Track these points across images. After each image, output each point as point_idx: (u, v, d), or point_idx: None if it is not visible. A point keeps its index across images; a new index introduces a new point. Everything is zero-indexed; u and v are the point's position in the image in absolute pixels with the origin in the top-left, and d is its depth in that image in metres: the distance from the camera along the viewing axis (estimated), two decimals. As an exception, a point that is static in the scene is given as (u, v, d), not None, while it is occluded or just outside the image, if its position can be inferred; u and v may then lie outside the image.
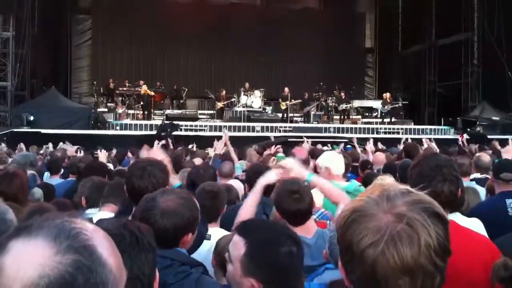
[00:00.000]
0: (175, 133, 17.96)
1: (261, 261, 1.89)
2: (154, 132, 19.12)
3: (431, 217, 1.10)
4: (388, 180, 4.18)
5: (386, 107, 23.71)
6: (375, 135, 20.94)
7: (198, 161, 7.29)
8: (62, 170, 7.25)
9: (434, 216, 1.10)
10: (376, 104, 24.90)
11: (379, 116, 24.34)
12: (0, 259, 0.86)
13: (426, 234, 1.07)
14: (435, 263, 1.08)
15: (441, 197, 2.34)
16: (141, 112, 22.77)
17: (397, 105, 24.61)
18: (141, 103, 22.47)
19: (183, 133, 18.58)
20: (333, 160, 4.45)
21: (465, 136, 17.14)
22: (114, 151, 11.18)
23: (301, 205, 3.05)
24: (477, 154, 6.70)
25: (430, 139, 12.69)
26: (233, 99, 24.18)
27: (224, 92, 24.08)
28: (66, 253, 0.85)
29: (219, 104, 23.41)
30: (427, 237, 1.07)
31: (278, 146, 12.50)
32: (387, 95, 24.31)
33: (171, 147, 12.47)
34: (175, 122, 19.55)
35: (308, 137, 14.06)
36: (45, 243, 0.86)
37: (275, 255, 1.90)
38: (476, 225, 3.37)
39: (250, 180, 4.46)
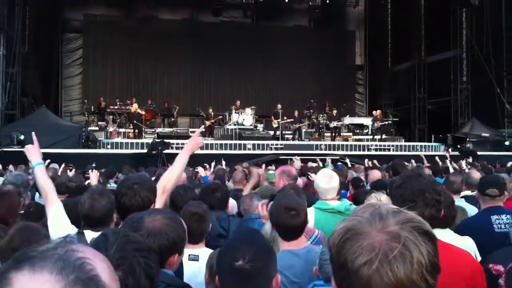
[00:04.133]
0: (166, 151, 17.95)
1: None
2: (145, 150, 19.08)
3: (422, 235, 1.14)
4: (382, 198, 4.18)
5: (376, 124, 23.81)
6: (366, 152, 21.02)
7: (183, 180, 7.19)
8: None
9: (424, 234, 1.14)
10: (367, 121, 25.00)
11: (369, 133, 24.41)
12: None
13: (418, 252, 1.11)
14: (426, 280, 1.11)
15: None
16: (132, 130, 22.71)
17: (387, 122, 24.71)
18: (134, 121, 22.37)
19: (174, 151, 18.56)
20: (319, 182, 4.45)
21: (451, 151, 17.25)
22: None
23: (297, 221, 3.13)
24: (467, 171, 6.73)
25: (425, 155, 12.80)
26: (220, 116, 24.20)
27: (211, 109, 24.08)
28: (74, 287, 0.84)
29: (207, 122, 23.33)
30: (418, 255, 1.10)
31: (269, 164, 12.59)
32: (377, 112, 24.44)
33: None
34: (166, 141, 19.51)
35: (299, 155, 14.08)
36: (51, 277, 0.84)
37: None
38: (468, 243, 3.38)
39: (202, 192, 4.52)
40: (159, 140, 19.92)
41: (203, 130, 20.25)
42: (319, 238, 3.80)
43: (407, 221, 1.16)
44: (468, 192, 5.60)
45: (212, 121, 23.69)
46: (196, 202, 3.89)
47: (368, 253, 1.11)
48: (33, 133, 3.79)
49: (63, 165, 11.23)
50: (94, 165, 11.53)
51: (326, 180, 4.40)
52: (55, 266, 0.85)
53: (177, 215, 2.43)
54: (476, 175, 5.89)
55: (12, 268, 0.86)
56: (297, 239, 3.17)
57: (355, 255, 1.12)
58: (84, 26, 28.98)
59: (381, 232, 1.13)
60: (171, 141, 20.03)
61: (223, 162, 12.60)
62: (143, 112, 22.74)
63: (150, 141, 20.19)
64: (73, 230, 3.30)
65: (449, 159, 10.71)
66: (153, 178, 4.75)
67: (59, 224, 3.23)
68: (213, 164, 11.58)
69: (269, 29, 29.90)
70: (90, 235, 3.02)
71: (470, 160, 13.21)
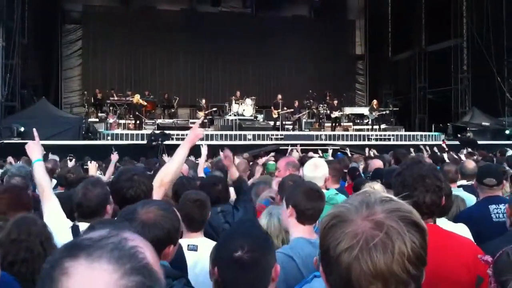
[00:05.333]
0: (166, 142, 17.92)
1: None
2: (145, 141, 19.06)
3: (408, 225, 1.11)
4: (376, 186, 4.21)
5: (373, 113, 23.78)
6: (366, 142, 21.02)
7: (185, 170, 7.20)
8: (55, 181, 7.18)
9: (411, 225, 1.12)
10: (367, 111, 24.97)
11: (370, 123, 24.40)
12: (62, 282, 0.84)
13: (401, 242, 1.09)
14: (409, 271, 1.09)
15: (423, 208, 2.38)
16: (133, 121, 22.70)
17: (384, 112, 24.67)
18: (136, 112, 22.36)
19: (174, 142, 18.52)
20: (305, 170, 4.46)
21: (447, 142, 17.27)
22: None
23: (321, 204, 3.06)
24: (462, 161, 6.76)
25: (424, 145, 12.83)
26: (215, 108, 24.16)
27: (204, 101, 24.01)
28: (130, 276, 0.85)
29: (201, 114, 23.17)
30: (401, 245, 1.09)
31: (271, 154, 12.58)
32: (374, 101, 24.41)
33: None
34: (166, 132, 19.49)
35: (299, 145, 14.08)
36: (109, 266, 0.85)
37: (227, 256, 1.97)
38: (462, 230, 3.41)
39: (202, 187, 4.51)
40: (159, 131, 19.89)
41: (202, 121, 20.01)
42: (317, 228, 3.80)
43: (395, 210, 1.14)
44: (463, 182, 5.62)
45: (206, 112, 23.57)
46: (195, 190, 3.90)
47: (350, 240, 1.10)
48: (34, 129, 3.82)
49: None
50: (71, 155, 11.46)
51: (311, 168, 4.41)
52: (112, 256, 0.86)
53: (172, 206, 2.43)
54: (471, 164, 5.91)
55: (66, 257, 0.86)
56: (311, 225, 3.08)
57: (337, 241, 1.12)
58: (84, 17, 28.91)
59: (366, 220, 1.12)
60: (172, 132, 20.02)
61: (221, 154, 12.54)
62: (145, 103, 22.73)
63: (150, 132, 20.16)
64: (68, 224, 3.32)
65: (446, 148, 10.73)
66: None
67: (55, 220, 3.26)
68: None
69: (268, 19, 29.78)
70: (85, 228, 3.04)
71: (469, 150, 13.23)
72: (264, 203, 4.56)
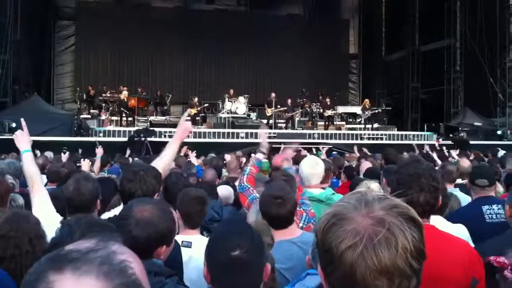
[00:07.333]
0: (153, 139, 17.74)
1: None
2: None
3: (407, 221, 1.14)
4: (373, 185, 4.21)
5: (366, 113, 23.82)
6: (359, 141, 21.04)
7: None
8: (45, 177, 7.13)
9: (409, 220, 1.14)
10: (359, 110, 25.00)
11: (362, 122, 24.45)
12: None
13: (403, 237, 1.11)
14: (411, 265, 1.11)
15: (416, 207, 2.36)
16: (125, 118, 22.57)
17: (376, 111, 24.70)
18: (121, 108, 22.19)
19: (167, 139, 18.32)
20: (303, 168, 4.44)
21: (441, 141, 17.31)
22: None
23: (282, 210, 3.09)
24: (457, 160, 6.78)
25: (417, 145, 12.83)
26: (207, 104, 24.12)
27: (196, 99, 23.93)
28: None
29: (193, 111, 23.01)
30: (403, 240, 1.10)
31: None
32: (366, 101, 24.45)
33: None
34: (151, 128, 19.36)
35: (291, 143, 14.04)
36: (98, 282, 0.81)
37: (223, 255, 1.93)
38: (461, 231, 3.41)
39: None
40: (142, 127, 19.72)
41: (190, 114, 19.91)
42: (309, 217, 3.80)
43: (393, 207, 1.16)
44: (459, 180, 5.64)
45: (198, 109, 23.45)
46: (193, 188, 3.89)
47: (353, 237, 1.11)
48: (22, 119, 3.78)
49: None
50: (65, 148, 11.40)
51: (311, 165, 4.40)
52: (100, 270, 0.82)
53: (168, 206, 2.41)
54: (466, 163, 5.93)
55: (51, 270, 0.82)
56: (288, 227, 3.12)
57: (339, 239, 1.12)
58: (77, 13, 28.76)
59: (366, 217, 1.13)
60: (164, 129, 19.92)
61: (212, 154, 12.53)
62: (132, 101, 22.52)
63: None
64: (58, 218, 3.27)
65: (438, 148, 10.74)
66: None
67: (43, 213, 3.21)
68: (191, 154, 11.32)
69: (263, 18, 29.73)
70: None
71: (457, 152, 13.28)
72: (256, 163, 4.59)
